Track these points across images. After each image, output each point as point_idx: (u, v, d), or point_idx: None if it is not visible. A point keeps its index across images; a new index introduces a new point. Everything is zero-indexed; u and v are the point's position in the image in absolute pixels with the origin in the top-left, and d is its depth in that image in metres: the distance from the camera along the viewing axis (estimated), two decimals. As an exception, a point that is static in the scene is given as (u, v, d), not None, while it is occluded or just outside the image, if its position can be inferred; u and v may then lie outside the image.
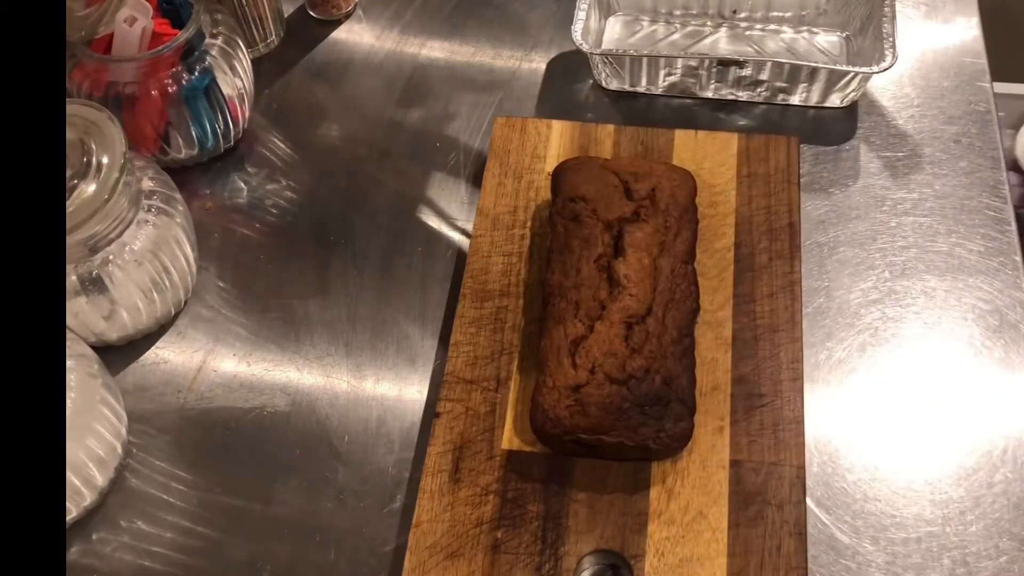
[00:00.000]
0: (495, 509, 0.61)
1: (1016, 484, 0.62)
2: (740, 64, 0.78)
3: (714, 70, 0.79)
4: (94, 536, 0.64)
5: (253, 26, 0.86)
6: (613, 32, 0.87)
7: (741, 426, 0.63)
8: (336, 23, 0.91)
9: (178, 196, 0.71)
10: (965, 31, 0.85)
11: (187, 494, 0.65)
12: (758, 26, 0.86)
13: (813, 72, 0.77)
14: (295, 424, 0.68)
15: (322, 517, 0.63)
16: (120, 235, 0.65)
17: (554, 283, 0.65)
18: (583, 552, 0.59)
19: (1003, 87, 1.43)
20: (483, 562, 0.59)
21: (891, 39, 0.76)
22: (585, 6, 0.81)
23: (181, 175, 0.78)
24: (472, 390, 0.65)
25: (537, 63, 0.87)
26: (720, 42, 0.86)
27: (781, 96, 0.80)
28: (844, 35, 0.85)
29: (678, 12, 0.87)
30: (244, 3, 0.84)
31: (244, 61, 0.79)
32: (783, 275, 0.68)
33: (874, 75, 0.76)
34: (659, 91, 0.82)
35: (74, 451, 0.60)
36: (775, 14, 0.85)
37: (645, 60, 0.79)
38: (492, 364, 0.66)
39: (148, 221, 0.67)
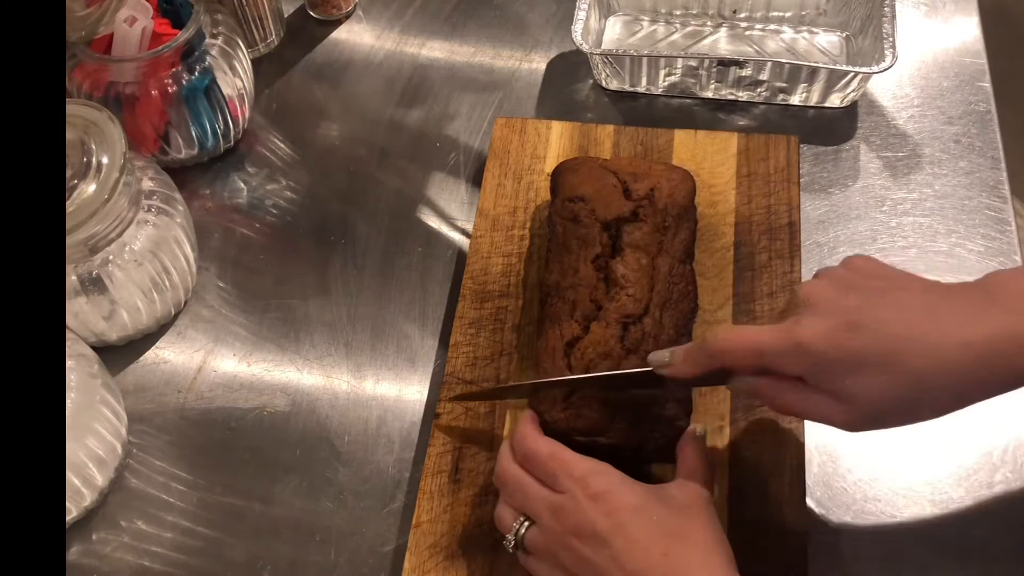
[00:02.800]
0: (495, 509, 0.61)
1: (1016, 484, 0.62)
2: (740, 64, 0.78)
3: (714, 70, 0.79)
4: (94, 536, 0.64)
5: (253, 26, 0.86)
6: (613, 32, 0.87)
7: (741, 426, 0.63)
8: (336, 23, 0.91)
9: (178, 196, 0.71)
10: (965, 31, 0.85)
11: (187, 494, 0.65)
12: (758, 26, 0.86)
13: (813, 72, 0.77)
14: (295, 424, 0.68)
15: (322, 517, 0.63)
16: (120, 235, 0.65)
17: (551, 283, 0.65)
18: (583, 552, 0.59)
19: None
20: (483, 562, 0.59)
21: (891, 39, 0.76)
22: (585, 6, 0.81)
23: (181, 175, 0.78)
24: (472, 390, 0.65)
25: (537, 63, 0.87)
26: (720, 42, 0.86)
27: (781, 96, 0.80)
28: (844, 35, 0.85)
29: (678, 12, 0.87)
30: (244, 3, 0.84)
31: (244, 61, 0.79)
32: (783, 275, 0.68)
33: (874, 75, 0.76)
34: (659, 91, 0.82)
35: (74, 451, 0.60)
36: (775, 14, 0.85)
37: (645, 60, 0.79)
38: (492, 365, 0.66)
39: (148, 221, 0.67)
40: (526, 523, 0.55)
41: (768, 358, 0.51)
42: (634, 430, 0.59)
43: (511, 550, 0.55)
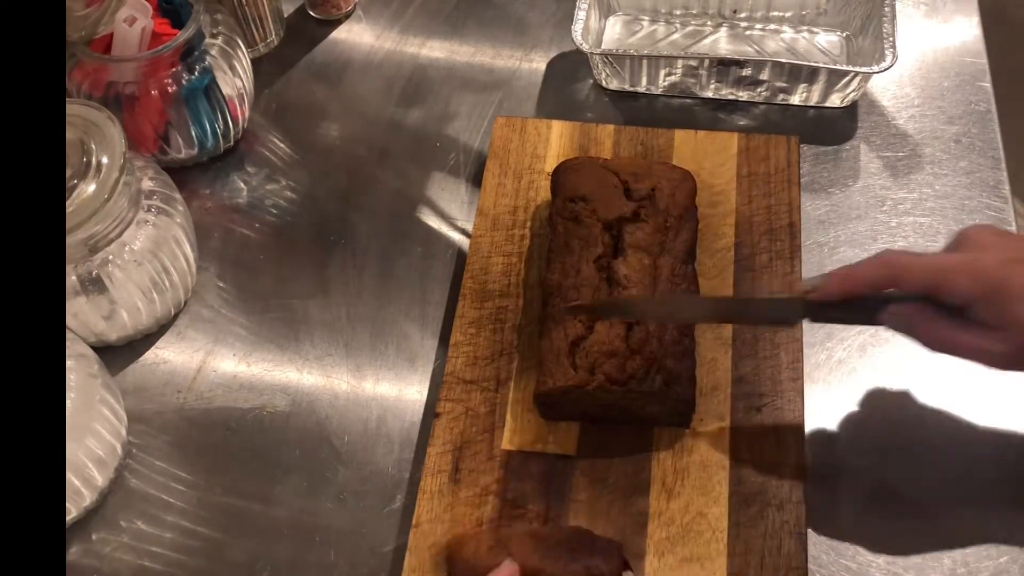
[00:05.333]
0: (495, 509, 0.61)
1: (1016, 484, 0.62)
2: (740, 64, 0.78)
3: (714, 70, 0.79)
4: (94, 536, 0.64)
5: (253, 26, 0.86)
6: (613, 32, 0.87)
7: (741, 426, 0.63)
8: (336, 23, 0.91)
9: (178, 196, 0.71)
10: (965, 31, 0.85)
11: (187, 494, 0.65)
12: (758, 26, 0.86)
13: (813, 72, 0.77)
14: (295, 424, 0.68)
15: (322, 517, 0.63)
16: (120, 235, 0.65)
17: (554, 283, 0.65)
18: (583, 552, 0.59)
19: None
20: (483, 562, 0.59)
21: (891, 39, 0.76)
22: (585, 6, 0.81)
23: (181, 175, 0.78)
24: (472, 390, 0.65)
25: (537, 63, 0.87)
26: (720, 42, 0.85)
27: (781, 96, 0.80)
28: (844, 35, 0.84)
29: (678, 12, 0.87)
30: (244, 3, 0.84)
31: (244, 61, 0.79)
32: (783, 275, 0.68)
33: (874, 75, 0.76)
34: (659, 91, 0.82)
35: (74, 451, 0.60)
36: (775, 14, 0.85)
37: (645, 60, 0.79)
38: (492, 364, 0.66)
39: (148, 221, 0.67)
40: None
41: (944, 277, 0.52)
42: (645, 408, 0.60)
43: None
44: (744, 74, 0.79)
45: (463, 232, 0.76)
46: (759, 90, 0.80)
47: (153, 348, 0.72)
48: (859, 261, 0.56)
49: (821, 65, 0.76)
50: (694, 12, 0.86)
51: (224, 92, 0.77)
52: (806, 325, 0.68)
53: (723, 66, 0.78)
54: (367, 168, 0.81)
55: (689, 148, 0.75)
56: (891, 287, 0.55)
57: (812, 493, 0.62)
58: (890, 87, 0.82)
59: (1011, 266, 0.51)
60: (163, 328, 0.73)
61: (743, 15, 0.86)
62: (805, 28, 0.85)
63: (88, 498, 0.63)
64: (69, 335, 0.61)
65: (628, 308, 0.61)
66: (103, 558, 0.63)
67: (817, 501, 0.61)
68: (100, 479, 0.64)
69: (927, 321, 0.54)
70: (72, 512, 0.63)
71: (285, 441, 0.67)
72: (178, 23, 0.76)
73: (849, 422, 0.65)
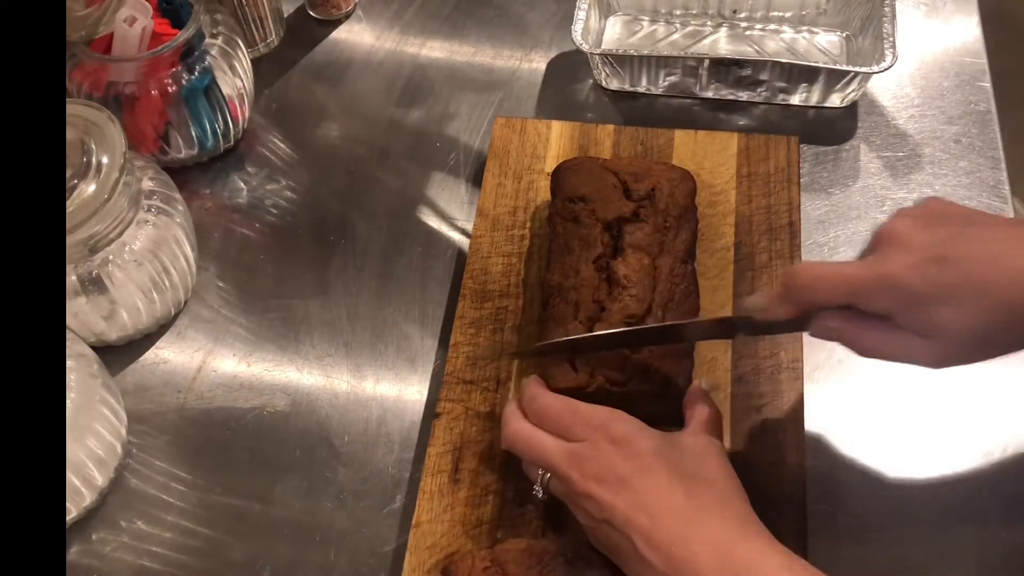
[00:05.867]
0: (495, 509, 0.61)
1: (1016, 484, 0.62)
2: (740, 64, 0.78)
3: (714, 70, 0.79)
4: (94, 536, 0.64)
5: (253, 26, 0.86)
6: (613, 32, 0.87)
7: (741, 426, 0.63)
8: (336, 23, 0.91)
9: (178, 196, 0.71)
10: (965, 31, 0.85)
11: (187, 494, 0.65)
12: (758, 26, 0.86)
13: (813, 72, 0.77)
14: (295, 424, 0.68)
15: (322, 517, 0.63)
16: (120, 235, 0.65)
17: (553, 284, 0.65)
18: (583, 552, 0.59)
19: None
20: (483, 562, 0.59)
21: (891, 39, 0.76)
22: (585, 6, 0.81)
23: (181, 175, 0.78)
24: (472, 390, 0.65)
25: (537, 63, 0.87)
26: (720, 42, 0.86)
27: (781, 96, 0.80)
28: (844, 35, 0.85)
29: (678, 12, 0.87)
30: (244, 3, 0.84)
31: (244, 61, 0.79)
32: (783, 275, 0.68)
33: (874, 75, 0.76)
34: (659, 91, 0.82)
35: (74, 451, 0.60)
36: (775, 14, 0.85)
37: (645, 60, 0.79)
38: (492, 365, 0.66)
39: (148, 221, 0.67)
40: (548, 474, 0.56)
41: (855, 292, 0.50)
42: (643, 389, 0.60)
43: (542, 498, 0.57)
44: (744, 74, 0.79)
45: (463, 232, 0.76)
46: (759, 90, 0.80)
47: (153, 348, 0.72)
48: (777, 288, 0.55)
49: (821, 65, 0.76)
50: (694, 12, 0.86)
51: (224, 92, 0.77)
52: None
53: (723, 66, 0.78)
54: (367, 168, 0.81)
55: (689, 148, 0.75)
56: (807, 306, 0.53)
57: (812, 493, 0.62)
58: (890, 87, 0.82)
59: (921, 270, 0.48)
60: (163, 328, 0.73)
61: (743, 15, 0.86)
62: (805, 28, 0.85)
63: (88, 498, 0.63)
64: (69, 335, 0.61)
65: (573, 346, 0.61)
66: (103, 558, 0.63)
67: (817, 501, 0.61)
68: (100, 479, 0.64)
69: (854, 330, 0.52)
70: (72, 512, 0.63)
71: (285, 441, 0.67)
72: (178, 23, 0.76)
73: (849, 422, 0.65)
